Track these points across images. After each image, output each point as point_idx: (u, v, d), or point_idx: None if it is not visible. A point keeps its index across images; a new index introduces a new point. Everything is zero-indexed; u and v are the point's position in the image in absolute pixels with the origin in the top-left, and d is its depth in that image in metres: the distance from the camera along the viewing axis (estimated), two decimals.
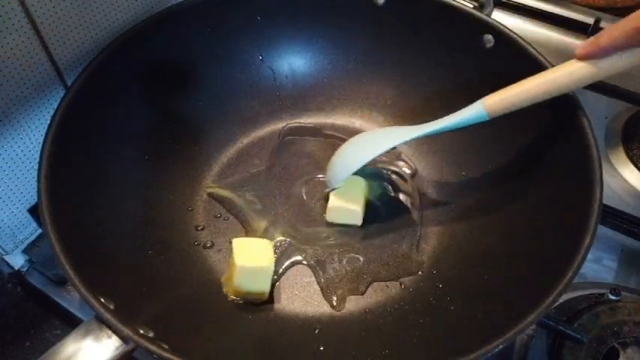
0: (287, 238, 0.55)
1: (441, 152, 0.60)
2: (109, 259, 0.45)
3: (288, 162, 0.61)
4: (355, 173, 0.53)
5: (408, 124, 0.51)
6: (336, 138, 0.63)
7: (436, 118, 0.50)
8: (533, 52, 0.50)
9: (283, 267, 0.53)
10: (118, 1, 0.53)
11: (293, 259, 0.53)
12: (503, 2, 0.79)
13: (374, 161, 0.53)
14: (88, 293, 0.37)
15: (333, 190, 0.54)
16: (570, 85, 0.44)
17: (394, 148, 0.52)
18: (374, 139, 0.54)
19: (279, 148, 0.62)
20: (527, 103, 0.45)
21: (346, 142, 0.55)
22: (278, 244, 0.54)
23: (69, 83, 0.51)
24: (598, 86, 0.66)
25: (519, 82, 0.45)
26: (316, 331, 0.48)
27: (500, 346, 0.35)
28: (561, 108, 0.47)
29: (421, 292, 0.50)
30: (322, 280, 0.52)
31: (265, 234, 0.55)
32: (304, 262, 0.53)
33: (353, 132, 0.63)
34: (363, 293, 0.51)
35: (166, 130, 0.57)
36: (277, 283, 0.51)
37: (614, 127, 0.68)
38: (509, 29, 0.53)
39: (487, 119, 0.47)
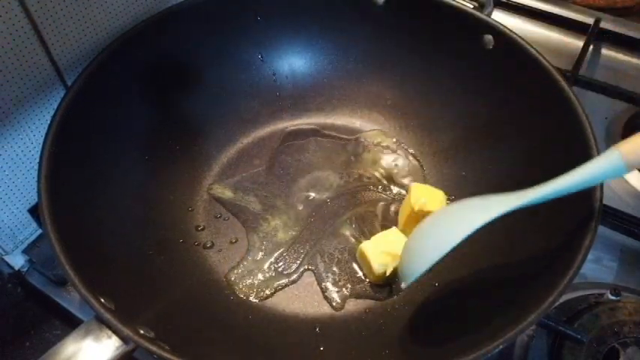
0: (287, 238, 0.54)
1: (441, 152, 0.60)
2: (109, 259, 0.45)
3: (288, 162, 0.61)
4: None
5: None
6: (336, 138, 0.63)
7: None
8: (533, 52, 0.50)
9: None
10: (118, 1, 0.53)
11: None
12: (503, 2, 0.79)
13: None
14: (88, 293, 0.37)
15: (408, 286, 0.43)
16: None
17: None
18: (460, 215, 0.42)
19: (280, 148, 0.62)
20: None
21: (424, 224, 0.43)
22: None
23: (69, 83, 0.51)
24: (598, 86, 0.66)
25: None
26: (316, 331, 0.48)
27: (501, 347, 0.35)
28: (561, 108, 0.47)
29: (421, 293, 0.50)
30: (323, 280, 0.52)
31: (266, 234, 0.55)
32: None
33: (353, 132, 0.63)
34: (363, 294, 0.51)
35: (166, 130, 0.57)
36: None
37: (614, 127, 0.68)
38: (509, 29, 0.53)
39: (624, 173, 0.38)
